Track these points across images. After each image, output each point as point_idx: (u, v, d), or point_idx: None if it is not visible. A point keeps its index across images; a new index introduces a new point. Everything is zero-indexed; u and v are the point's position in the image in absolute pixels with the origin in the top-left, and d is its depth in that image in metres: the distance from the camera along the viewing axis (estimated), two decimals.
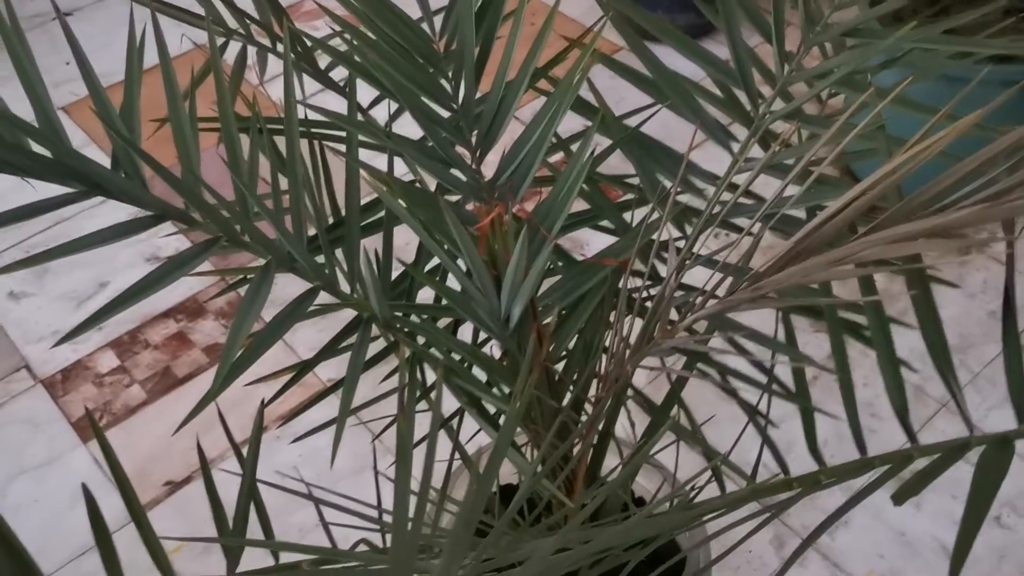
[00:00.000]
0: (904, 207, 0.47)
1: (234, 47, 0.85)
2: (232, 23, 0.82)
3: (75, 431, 1.43)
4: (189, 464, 1.38)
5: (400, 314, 0.71)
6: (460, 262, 0.64)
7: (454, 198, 0.76)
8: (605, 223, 0.77)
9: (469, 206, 0.73)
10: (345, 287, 0.70)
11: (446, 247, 0.66)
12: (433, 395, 0.75)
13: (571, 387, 0.70)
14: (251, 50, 0.84)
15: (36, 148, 0.59)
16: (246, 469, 0.59)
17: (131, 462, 1.38)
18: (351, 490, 0.78)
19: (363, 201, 0.74)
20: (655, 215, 0.67)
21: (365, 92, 0.76)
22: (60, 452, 1.41)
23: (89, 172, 0.59)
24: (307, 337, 1.51)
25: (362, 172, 0.68)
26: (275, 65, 0.82)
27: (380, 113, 0.83)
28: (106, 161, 0.63)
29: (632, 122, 0.74)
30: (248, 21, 0.82)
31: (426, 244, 0.62)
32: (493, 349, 0.77)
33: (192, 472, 1.37)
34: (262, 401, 0.64)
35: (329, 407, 0.80)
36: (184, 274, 0.64)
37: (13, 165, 0.56)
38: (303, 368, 0.76)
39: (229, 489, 0.64)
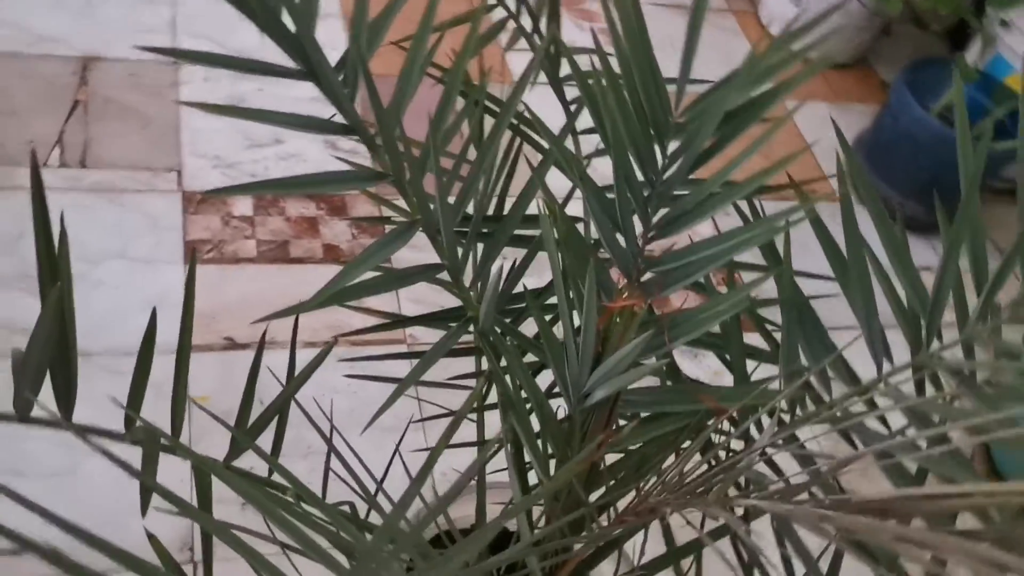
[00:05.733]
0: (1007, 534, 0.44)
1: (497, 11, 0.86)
2: None
3: (183, 249, 1.50)
4: (254, 333, 1.43)
5: (499, 330, 0.70)
6: (576, 315, 0.63)
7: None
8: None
9: (614, 271, 0.72)
10: (468, 278, 0.70)
11: (572, 295, 0.65)
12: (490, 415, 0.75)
13: (608, 485, 0.68)
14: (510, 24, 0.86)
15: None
16: (286, 391, 0.60)
17: (209, 302, 1.44)
18: (372, 444, 0.79)
19: (529, 211, 0.74)
20: (776, 383, 0.65)
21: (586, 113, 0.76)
22: (161, 258, 1.48)
23: (315, 61, 0.61)
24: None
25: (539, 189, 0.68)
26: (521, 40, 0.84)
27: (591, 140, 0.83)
28: (343, 37, 0.64)
29: (804, 283, 0.71)
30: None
31: (556, 286, 0.62)
32: (560, 408, 0.76)
33: (252, 342, 1.41)
34: (331, 341, 0.65)
35: (397, 360, 0.81)
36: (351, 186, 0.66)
37: (261, 23, 0.59)
38: (396, 323, 0.78)
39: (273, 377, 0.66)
